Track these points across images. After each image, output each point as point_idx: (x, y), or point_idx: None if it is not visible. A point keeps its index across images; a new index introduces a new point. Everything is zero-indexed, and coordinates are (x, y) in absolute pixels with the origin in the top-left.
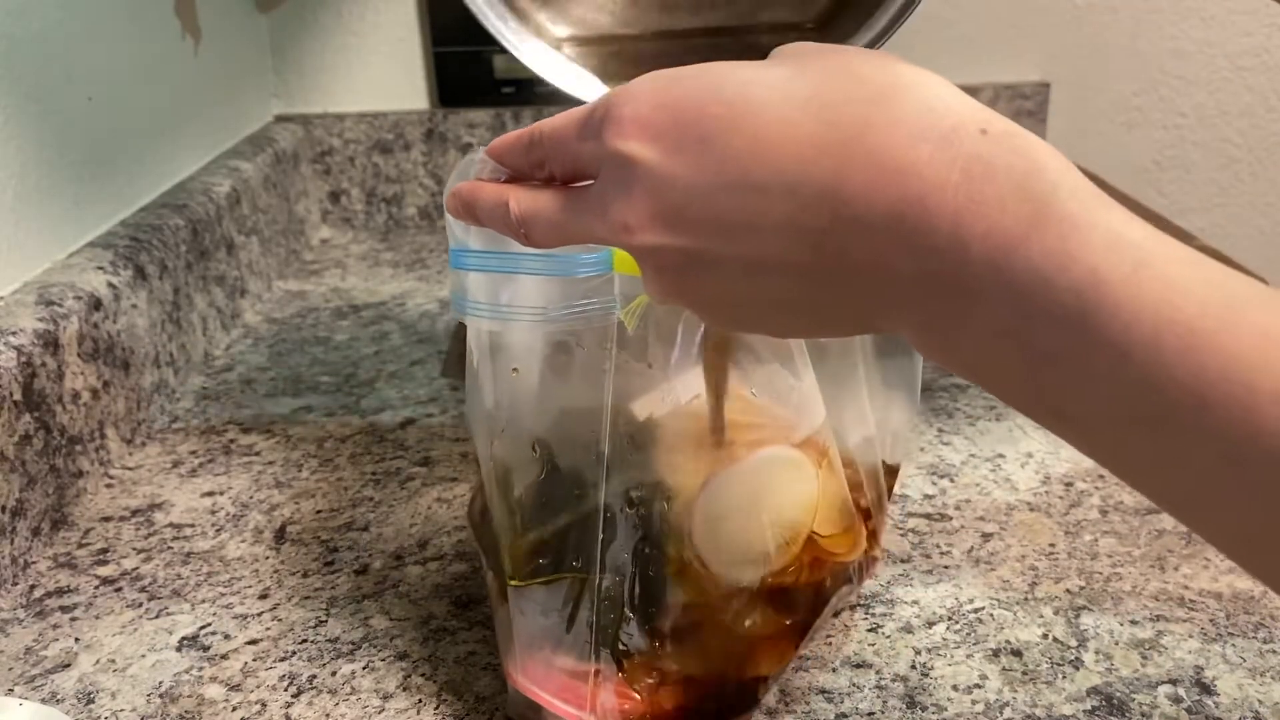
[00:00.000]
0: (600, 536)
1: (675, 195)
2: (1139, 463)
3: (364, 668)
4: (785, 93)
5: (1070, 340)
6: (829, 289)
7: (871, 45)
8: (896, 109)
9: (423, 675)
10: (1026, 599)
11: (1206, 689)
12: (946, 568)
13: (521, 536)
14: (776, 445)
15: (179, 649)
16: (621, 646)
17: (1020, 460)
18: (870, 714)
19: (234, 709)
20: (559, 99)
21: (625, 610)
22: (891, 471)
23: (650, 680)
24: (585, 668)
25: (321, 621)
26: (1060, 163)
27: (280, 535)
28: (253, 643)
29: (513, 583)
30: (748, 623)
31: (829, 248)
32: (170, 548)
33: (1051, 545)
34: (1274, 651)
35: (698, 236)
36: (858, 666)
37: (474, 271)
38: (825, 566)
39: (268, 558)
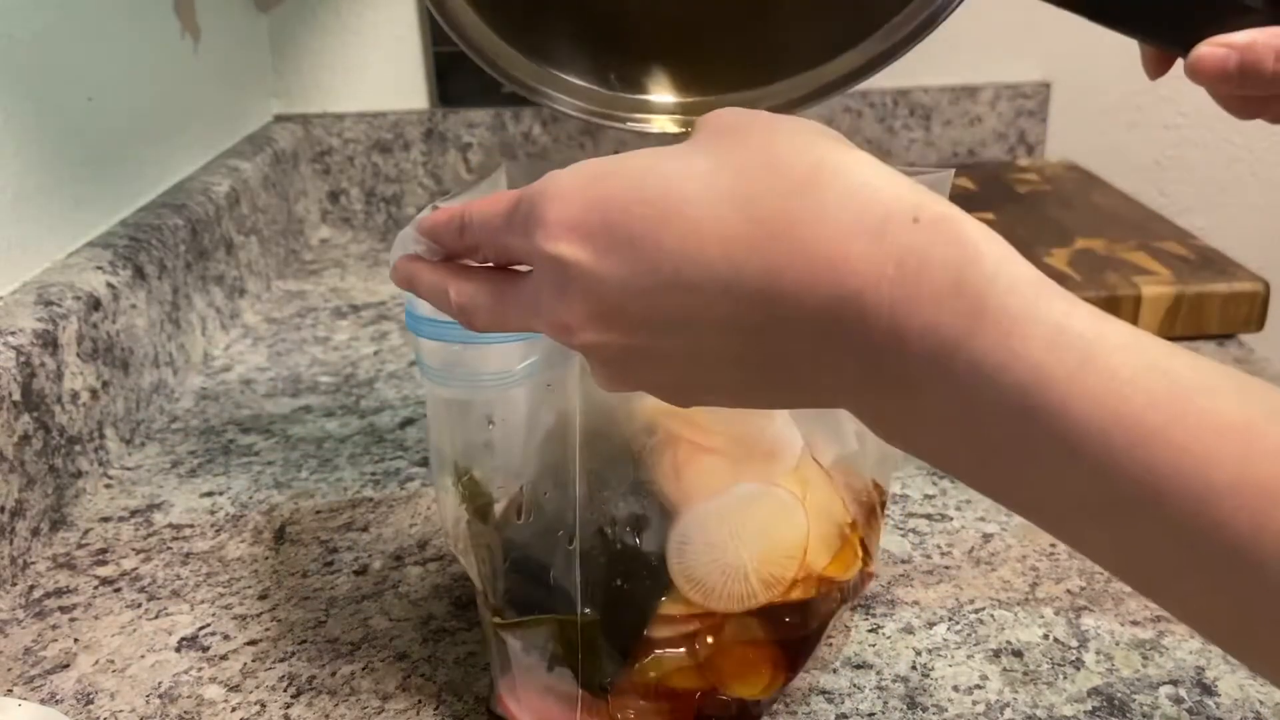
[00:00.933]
0: (577, 576)
1: (611, 295)
2: (1098, 549)
3: (363, 668)
4: (708, 186)
5: (1018, 436)
6: (774, 378)
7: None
8: (822, 201)
9: (422, 676)
10: (1027, 599)
11: (1208, 690)
12: (947, 568)
13: (503, 580)
14: (755, 482)
15: (178, 649)
16: (606, 678)
17: None
18: (871, 715)
19: (233, 709)
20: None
21: (607, 645)
22: (879, 487)
23: (639, 703)
24: (572, 692)
25: (321, 622)
26: (997, 249)
27: (280, 536)
28: (252, 643)
29: (496, 620)
30: (736, 643)
31: (768, 345)
32: (169, 548)
33: (1052, 545)
34: None
35: (637, 334)
36: (858, 667)
37: (431, 340)
38: (818, 584)
39: (267, 558)
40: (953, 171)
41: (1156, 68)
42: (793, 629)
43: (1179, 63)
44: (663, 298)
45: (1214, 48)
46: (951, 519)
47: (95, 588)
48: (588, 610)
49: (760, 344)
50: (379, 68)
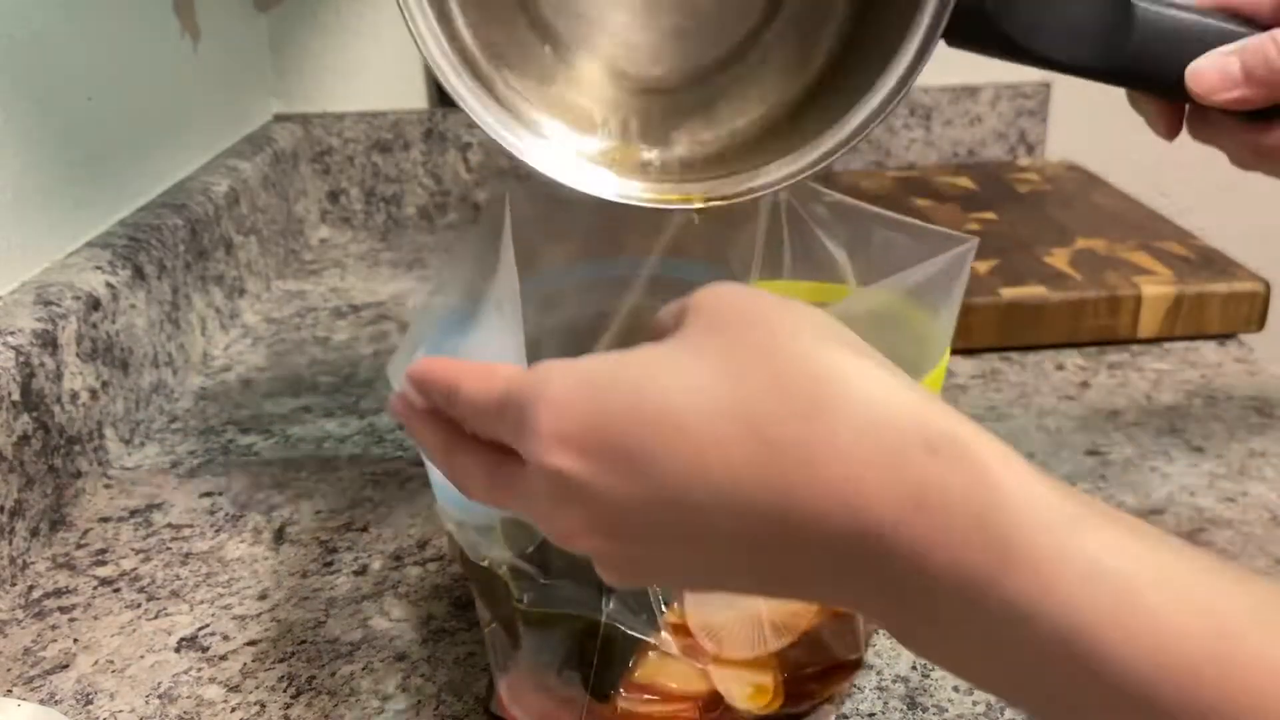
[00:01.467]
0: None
1: (612, 511)
2: None
3: (363, 669)
4: (709, 403)
5: (1056, 674)
6: (789, 585)
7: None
8: (832, 427)
9: (422, 676)
10: None
11: None
12: None
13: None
14: None
15: (178, 650)
16: (613, 685)
17: None
18: (871, 715)
19: (233, 710)
20: None
21: (622, 655)
22: None
23: (643, 706)
24: (576, 696)
25: (320, 622)
26: (1016, 475)
27: (279, 536)
28: (252, 644)
29: (520, 606)
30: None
31: (781, 561)
32: (169, 548)
33: None
34: None
35: (640, 544)
36: None
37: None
38: (832, 620)
39: (266, 558)
40: (975, 244)
41: (1169, 126)
42: (799, 665)
43: None
44: (666, 514)
45: (1211, 57)
46: None
47: (94, 588)
48: (609, 609)
49: (772, 560)
50: (379, 68)
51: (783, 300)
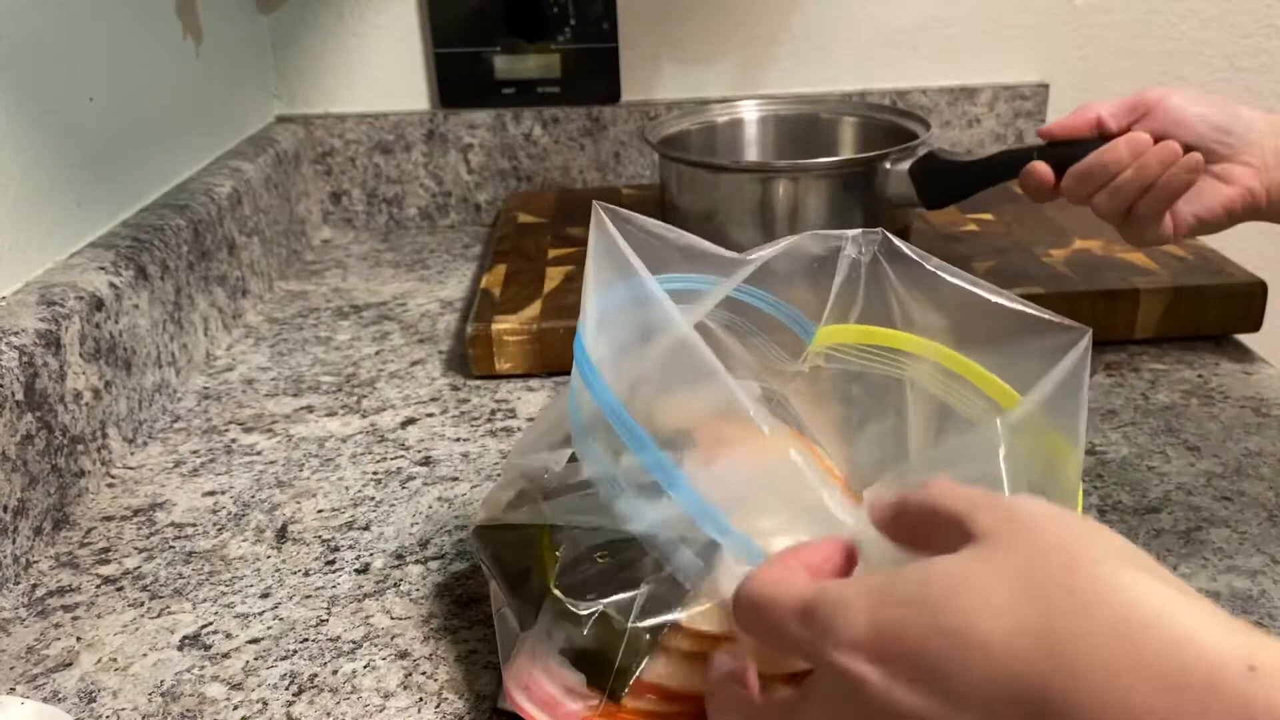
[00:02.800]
0: (639, 599)
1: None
2: None
3: (365, 666)
4: (1015, 624)
5: None
6: None
7: None
8: (1143, 651)
9: (423, 674)
10: None
11: None
12: None
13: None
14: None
15: (180, 648)
16: (626, 686)
17: None
18: None
19: (235, 708)
20: (561, 101)
21: (639, 660)
22: None
23: (651, 704)
24: (586, 692)
25: (323, 620)
26: None
27: (281, 534)
28: (254, 641)
29: (557, 593)
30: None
31: None
32: (172, 547)
33: None
34: None
35: None
36: None
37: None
38: None
39: (269, 557)
40: (1089, 336)
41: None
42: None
43: None
44: None
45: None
46: None
47: (98, 586)
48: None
49: None
50: (380, 69)
51: (1080, 521)
